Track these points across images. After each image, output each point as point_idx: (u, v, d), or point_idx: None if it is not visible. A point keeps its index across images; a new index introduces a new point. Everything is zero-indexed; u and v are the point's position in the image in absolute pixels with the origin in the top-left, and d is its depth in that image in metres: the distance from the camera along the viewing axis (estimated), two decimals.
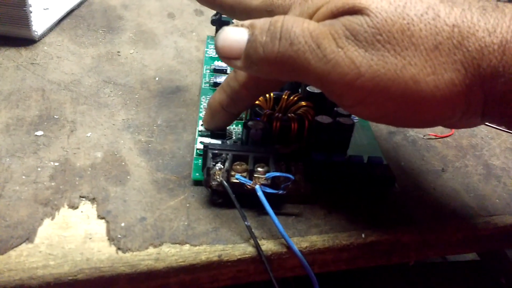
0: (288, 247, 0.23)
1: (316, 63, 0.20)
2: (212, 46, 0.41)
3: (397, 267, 0.49)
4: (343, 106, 0.23)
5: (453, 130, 0.34)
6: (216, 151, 0.25)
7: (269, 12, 0.27)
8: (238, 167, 0.25)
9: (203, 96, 0.34)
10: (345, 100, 0.21)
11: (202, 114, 0.32)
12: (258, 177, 0.25)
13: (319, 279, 0.23)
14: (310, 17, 0.22)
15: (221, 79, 0.35)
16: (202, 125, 0.30)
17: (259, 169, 0.25)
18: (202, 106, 0.33)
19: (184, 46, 0.42)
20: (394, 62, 0.19)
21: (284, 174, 0.25)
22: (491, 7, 0.20)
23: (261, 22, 0.22)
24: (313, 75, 0.21)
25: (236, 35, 0.22)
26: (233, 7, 0.28)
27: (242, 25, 0.22)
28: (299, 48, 0.20)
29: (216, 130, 0.29)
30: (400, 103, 0.20)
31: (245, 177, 0.25)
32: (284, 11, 0.26)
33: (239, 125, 0.31)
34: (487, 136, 0.35)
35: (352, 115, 0.29)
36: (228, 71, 0.37)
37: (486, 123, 0.36)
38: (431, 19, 0.19)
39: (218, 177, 0.24)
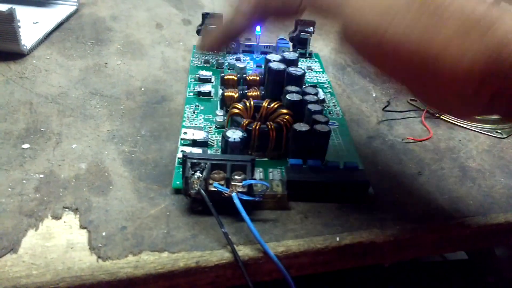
0: (265, 252, 0.24)
1: None
2: (198, 56, 0.42)
3: (385, 268, 0.49)
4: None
5: (431, 133, 0.35)
6: (195, 160, 0.26)
7: None
8: (216, 175, 0.26)
9: (187, 105, 0.35)
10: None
11: (185, 123, 0.33)
12: (235, 185, 0.25)
13: (301, 281, 0.24)
14: None
15: (205, 87, 0.36)
16: (185, 133, 0.30)
17: (236, 177, 0.26)
18: (185, 115, 0.34)
19: (171, 56, 0.43)
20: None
21: (260, 182, 0.26)
22: None
23: None
24: None
25: None
26: None
27: None
28: None
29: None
30: (421, 65, 0.21)
31: (222, 185, 0.25)
32: None
33: (221, 133, 0.32)
34: (464, 138, 0.35)
35: (330, 122, 0.30)
36: (212, 80, 0.38)
37: (466, 127, 0.36)
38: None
39: (196, 185, 0.25)
